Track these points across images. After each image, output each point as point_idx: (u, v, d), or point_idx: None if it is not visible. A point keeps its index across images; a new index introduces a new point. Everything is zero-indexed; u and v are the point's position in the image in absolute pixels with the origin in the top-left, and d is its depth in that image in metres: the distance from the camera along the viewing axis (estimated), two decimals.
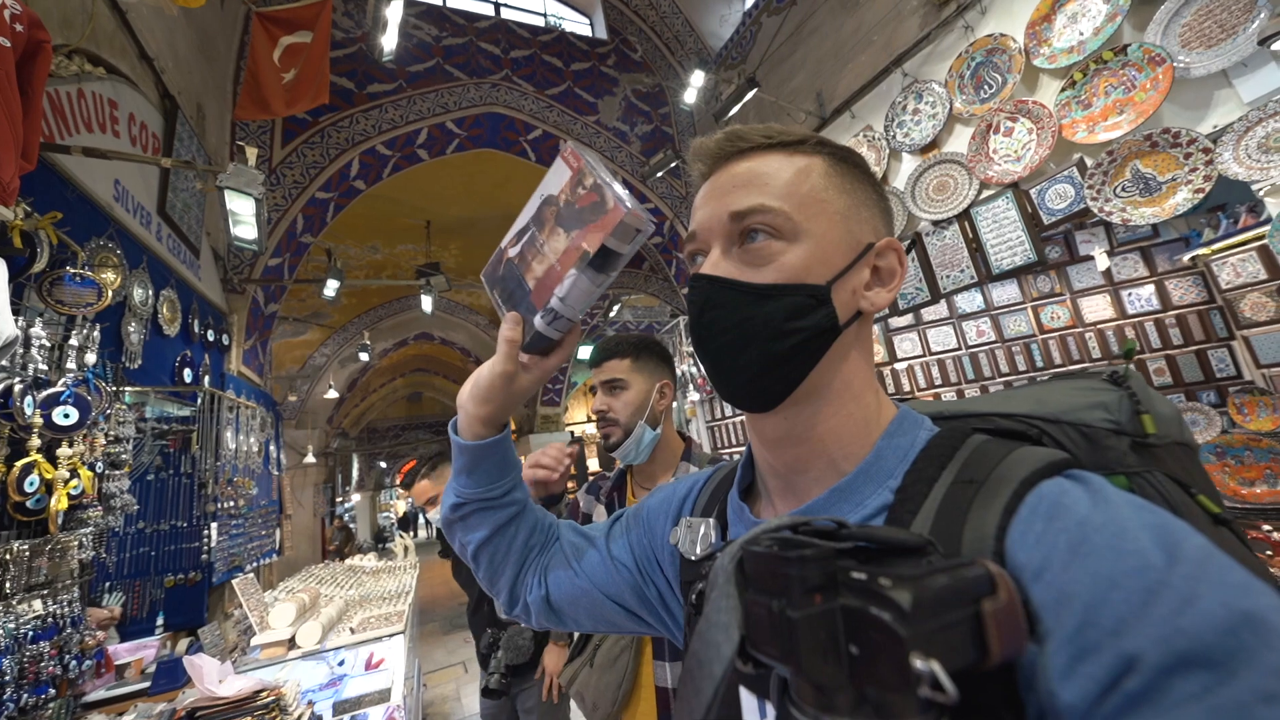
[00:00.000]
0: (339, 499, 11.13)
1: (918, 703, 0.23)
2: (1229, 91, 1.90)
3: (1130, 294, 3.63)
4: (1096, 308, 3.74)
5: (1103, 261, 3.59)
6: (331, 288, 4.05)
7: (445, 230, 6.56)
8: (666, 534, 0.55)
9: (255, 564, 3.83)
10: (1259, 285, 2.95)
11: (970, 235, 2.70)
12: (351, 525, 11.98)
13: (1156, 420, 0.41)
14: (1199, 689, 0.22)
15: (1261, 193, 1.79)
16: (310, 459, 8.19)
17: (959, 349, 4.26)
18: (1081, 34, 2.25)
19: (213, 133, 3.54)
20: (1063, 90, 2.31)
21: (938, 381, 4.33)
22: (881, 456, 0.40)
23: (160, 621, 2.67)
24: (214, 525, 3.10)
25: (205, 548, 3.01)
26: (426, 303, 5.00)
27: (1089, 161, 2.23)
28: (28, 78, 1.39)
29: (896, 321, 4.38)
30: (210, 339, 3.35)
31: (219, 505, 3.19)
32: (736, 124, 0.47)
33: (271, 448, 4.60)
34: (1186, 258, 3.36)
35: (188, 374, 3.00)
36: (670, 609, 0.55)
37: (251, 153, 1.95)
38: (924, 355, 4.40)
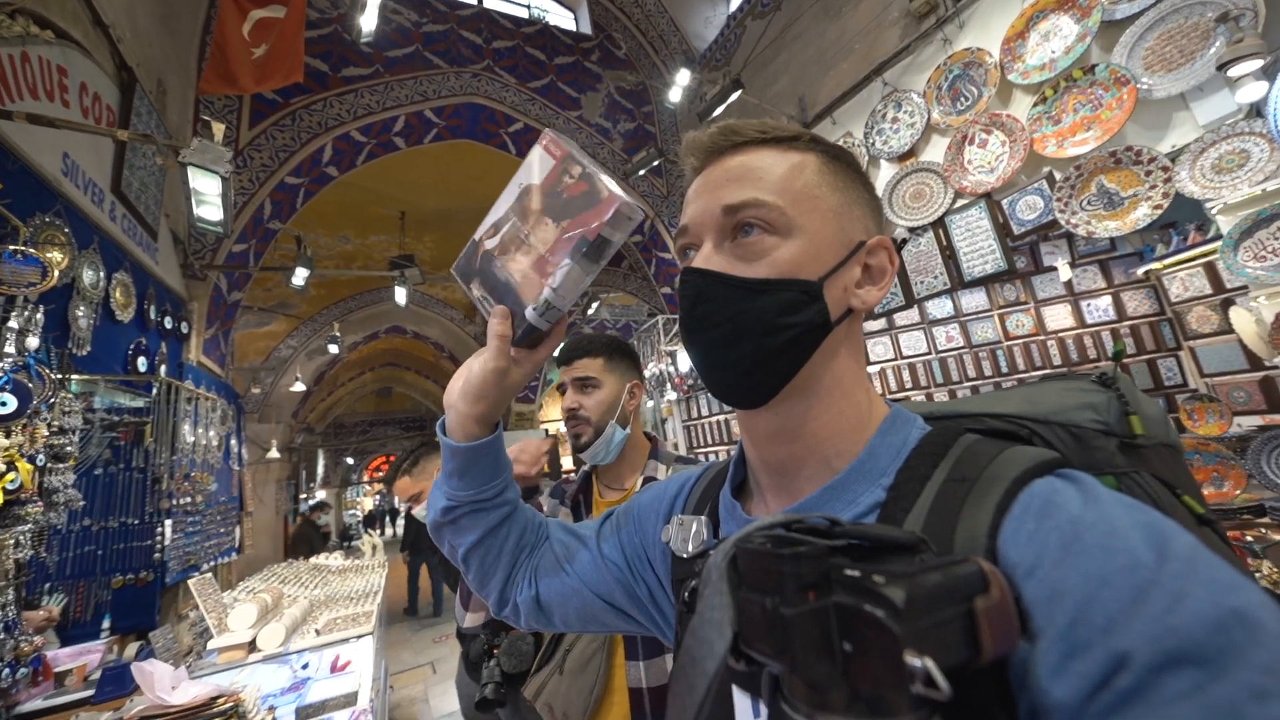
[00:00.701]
0: (303, 496, 10.75)
1: (911, 700, 0.22)
2: (1186, 114, 2.01)
3: (1089, 304, 3.81)
4: (1058, 316, 3.91)
5: (1065, 272, 3.76)
6: (300, 276, 3.91)
7: (421, 222, 6.40)
8: (658, 532, 0.55)
9: (213, 563, 3.66)
10: (1204, 299, 3.14)
11: (944, 243, 2.78)
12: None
13: (1144, 422, 0.43)
14: (1190, 686, 0.22)
15: (1214, 211, 1.89)
16: (274, 454, 7.88)
17: (929, 354, 4.39)
18: (1053, 52, 2.34)
19: (174, 110, 3.36)
20: (1034, 105, 2.40)
21: (908, 385, 4.45)
22: (874, 454, 0.40)
23: (106, 624, 2.52)
24: (168, 522, 2.95)
25: (158, 546, 2.86)
26: (400, 295, 4.87)
27: (1058, 175, 2.32)
28: None
29: (870, 325, 4.48)
30: (168, 326, 3.18)
31: (174, 501, 3.04)
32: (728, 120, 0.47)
33: (232, 442, 4.41)
34: (1140, 271, 3.55)
35: (142, 362, 2.84)
36: (660, 607, 0.55)
37: (218, 128, 1.85)
38: (895, 359, 4.52)
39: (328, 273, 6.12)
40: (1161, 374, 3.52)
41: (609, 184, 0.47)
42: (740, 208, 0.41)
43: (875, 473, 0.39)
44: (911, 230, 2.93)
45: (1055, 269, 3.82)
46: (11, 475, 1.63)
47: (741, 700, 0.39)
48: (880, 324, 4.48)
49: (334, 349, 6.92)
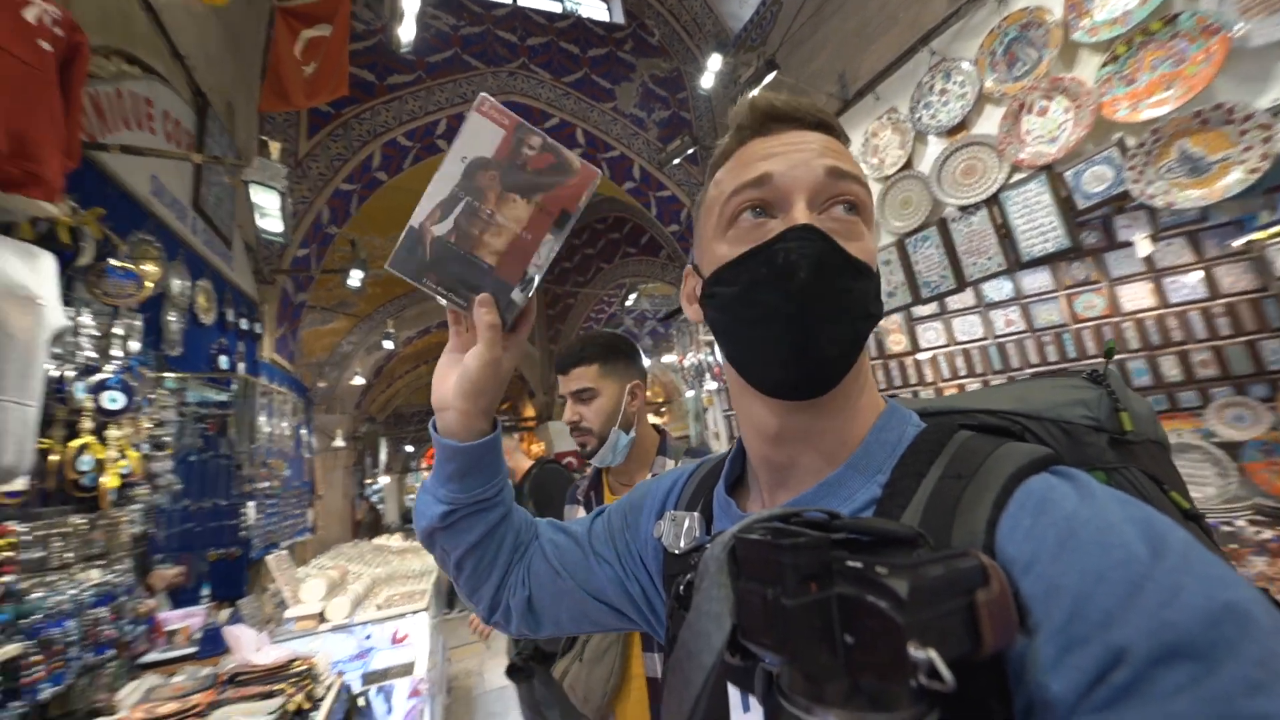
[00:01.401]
0: (368, 481, 11.51)
1: (911, 692, 0.23)
2: None
3: (1173, 281, 3.45)
4: (1136, 296, 3.56)
5: (1144, 248, 3.41)
6: (356, 278, 4.16)
7: None
8: (650, 528, 0.54)
9: (289, 541, 4.01)
10: None
11: (999, 221, 2.60)
12: (380, 507, 12.40)
13: (1133, 418, 0.42)
14: (1185, 680, 0.22)
15: None
16: (339, 443, 8.47)
17: (986, 339, 4.12)
18: (1126, 4, 2.11)
19: (242, 127, 3.63)
20: (1104, 65, 2.18)
21: (963, 372, 4.21)
22: (870, 451, 0.39)
23: (206, 592, 2.83)
24: (251, 504, 3.26)
25: (243, 525, 3.17)
26: None
27: (1131, 141, 2.11)
28: (67, 79, 1.44)
29: (920, 310, 4.25)
30: (244, 327, 3.47)
31: (254, 485, 3.35)
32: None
33: (303, 432, 4.78)
34: (1239, 243, 3.17)
35: (223, 361, 3.12)
36: (653, 604, 0.54)
37: (274, 147, 2.01)
38: (949, 345, 4.28)
39: (381, 272, 6.44)
40: (1264, 357, 3.14)
41: (571, 153, 0.47)
42: (846, 175, 0.38)
43: (871, 469, 0.39)
44: (963, 209, 2.76)
45: (1132, 244, 3.48)
46: (124, 462, 1.86)
47: (735, 697, 0.39)
48: (931, 308, 4.24)
49: (389, 344, 7.33)
